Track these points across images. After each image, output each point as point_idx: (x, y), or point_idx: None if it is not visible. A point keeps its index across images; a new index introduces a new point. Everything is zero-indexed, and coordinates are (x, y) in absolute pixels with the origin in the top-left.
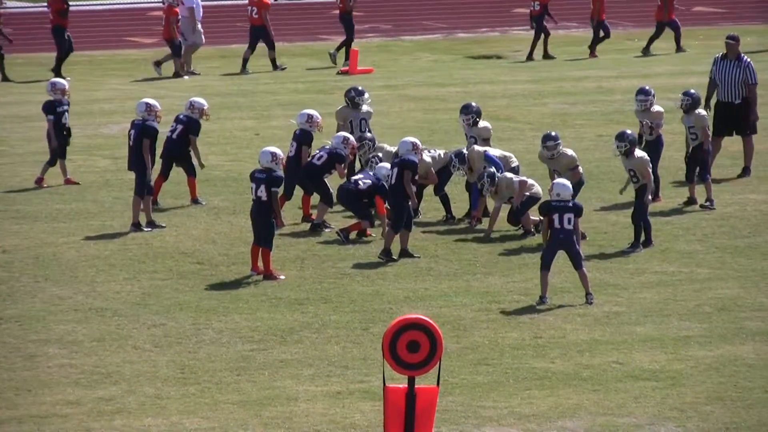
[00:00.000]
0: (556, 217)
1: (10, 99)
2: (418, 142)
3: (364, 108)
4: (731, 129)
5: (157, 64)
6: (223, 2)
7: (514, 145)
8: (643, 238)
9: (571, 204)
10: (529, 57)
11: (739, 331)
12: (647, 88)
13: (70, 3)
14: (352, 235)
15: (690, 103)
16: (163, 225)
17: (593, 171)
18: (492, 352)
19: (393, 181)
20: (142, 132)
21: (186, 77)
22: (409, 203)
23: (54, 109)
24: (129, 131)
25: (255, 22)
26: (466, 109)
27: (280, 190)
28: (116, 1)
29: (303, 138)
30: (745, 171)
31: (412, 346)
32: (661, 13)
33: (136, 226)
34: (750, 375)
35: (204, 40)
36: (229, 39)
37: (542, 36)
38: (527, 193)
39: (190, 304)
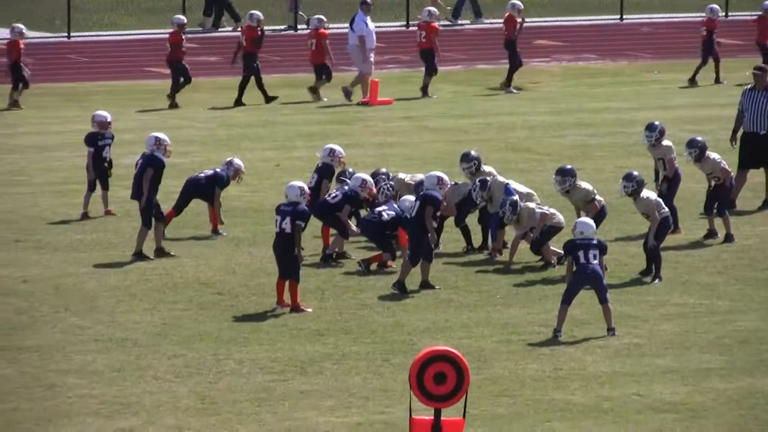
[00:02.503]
0: (581, 254)
1: (28, 129)
2: (445, 177)
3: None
4: (757, 161)
5: (347, 92)
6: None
7: (534, 177)
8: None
9: (595, 241)
10: (692, 80)
11: (759, 364)
12: (655, 123)
13: (104, 32)
14: (373, 266)
15: (698, 153)
16: (173, 254)
17: (613, 203)
18: (512, 384)
19: (413, 214)
20: (148, 162)
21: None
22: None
23: (95, 141)
24: (137, 161)
25: (423, 45)
26: (466, 158)
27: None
28: (136, 31)
29: (324, 171)
30: (767, 203)
31: (439, 378)
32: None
33: (138, 255)
34: None
35: (372, 70)
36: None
37: (710, 61)
38: (548, 224)
39: (210, 334)
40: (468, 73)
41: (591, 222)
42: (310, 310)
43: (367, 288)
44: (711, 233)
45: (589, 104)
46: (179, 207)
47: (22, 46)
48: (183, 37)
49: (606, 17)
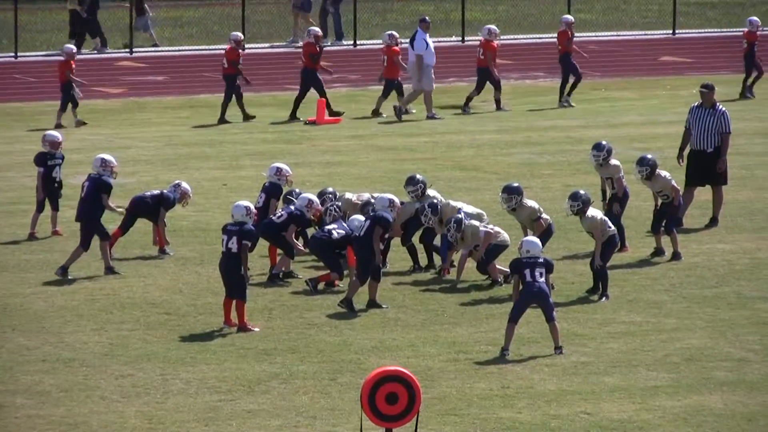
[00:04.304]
0: (527, 272)
1: None
2: (396, 200)
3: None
4: (704, 179)
5: (401, 109)
6: (190, 51)
7: (481, 195)
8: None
9: (541, 260)
10: (743, 94)
11: (706, 381)
12: (602, 143)
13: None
14: (321, 285)
15: (649, 172)
16: (121, 273)
17: (560, 221)
18: (460, 403)
19: (362, 234)
20: (98, 187)
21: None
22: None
23: (45, 161)
24: (83, 183)
25: (481, 63)
26: (411, 181)
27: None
28: (83, 51)
29: (272, 191)
30: (713, 221)
31: (391, 398)
32: None
33: (64, 270)
34: (718, 425)
35: (433, 86)
36: (198, 89)
37: (753, 74)
38: (493, 243)
39: (157, 354)
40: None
41: (537, 240)
42: (257, 329)
43: (315, 307)
44: (658, 251)
45: (537, 122)
46: (125, 226)
47: (73, 65)
48: (240, 53)
49: (554, 35)
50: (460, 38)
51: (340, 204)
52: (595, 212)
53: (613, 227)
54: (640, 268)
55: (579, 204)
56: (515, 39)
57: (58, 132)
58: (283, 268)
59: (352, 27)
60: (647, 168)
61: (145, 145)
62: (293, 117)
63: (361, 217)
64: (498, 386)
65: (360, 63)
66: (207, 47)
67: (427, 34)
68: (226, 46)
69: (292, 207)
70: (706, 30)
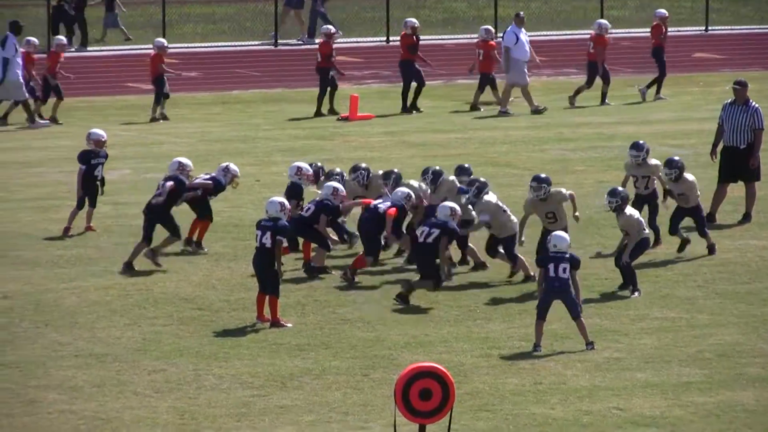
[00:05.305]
0: (551, 267)
1: (9, 145)
2: (458, 209)
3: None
4: (736, 175)
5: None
6: (222, 48)
7: (514, 191)
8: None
9: (567, 255)
10: None
11: (739, 377)
12: (641, 143)
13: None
14: (359, 278)
15: (678, 174)
16: (161, 265)
17: (594, 217)
18: (492, 398)
19: (430, 241)
20: (178, 186)
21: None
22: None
23: (88, 159)
24: (159, 182)
25: (591, 57)
26: (464, 171)
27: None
28: (117, 47)
29: (291, 191)
30: (746, 217)
31: (425, 394)
32: None
33: (128, 265)
34: (750, 421)
35: (528, 81)
36: (230, 85)
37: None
38: (509, 234)
39: (190, 349)
40: (448, 87)
41: (566, 235)
42: (290, 325)
43: (348, 303)
44: (683, 244)
45: (570, 119)
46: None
47: (164, 59)
48: (333, 46)
49: (586, 32)
50: None
51: (366, 173)
52: (632, 211)
53: (647, 230)
54: (673, 264)
55: (618, 200)
56: (547, 35)
57: (102, 131)
58: (320, 263)
59: (385, 23)
60: (676, 170)
61: (178, 141)
62: (414, 108)
63: (406, 190)
64: (530, 382)
65: (392, 59)
66: (239, 43)
67: (522, 29)
68: (319, 41)
69: (318, 199)
70: (738, 27)
